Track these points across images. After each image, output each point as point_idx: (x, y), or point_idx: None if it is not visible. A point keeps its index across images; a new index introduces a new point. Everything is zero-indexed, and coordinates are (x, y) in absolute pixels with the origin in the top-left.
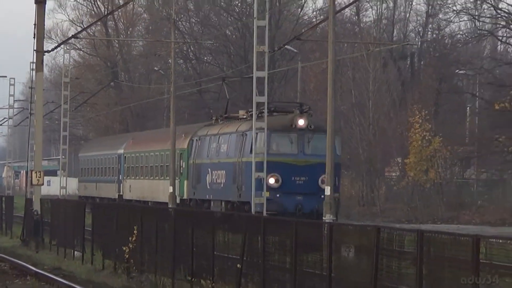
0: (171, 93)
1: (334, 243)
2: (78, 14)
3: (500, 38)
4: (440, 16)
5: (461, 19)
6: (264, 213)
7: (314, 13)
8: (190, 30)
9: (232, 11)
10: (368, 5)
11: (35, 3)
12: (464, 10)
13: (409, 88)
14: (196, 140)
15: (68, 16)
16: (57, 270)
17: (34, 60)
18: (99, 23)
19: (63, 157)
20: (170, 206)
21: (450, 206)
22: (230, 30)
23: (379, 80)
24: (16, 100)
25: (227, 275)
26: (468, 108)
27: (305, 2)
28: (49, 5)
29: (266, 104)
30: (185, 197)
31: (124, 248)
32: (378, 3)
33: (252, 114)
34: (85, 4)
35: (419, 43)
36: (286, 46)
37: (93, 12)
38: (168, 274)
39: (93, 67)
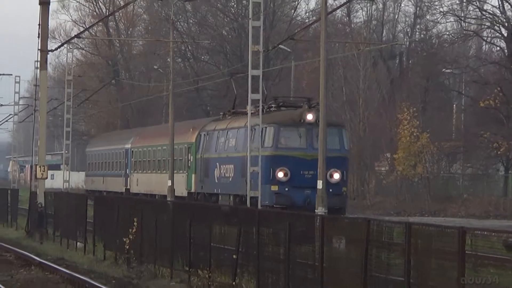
0: (170, 90)
1: (326, 235)
2: (80, 14)
3: (485, 38)
4: (428, 17)
5: (447, 20)
6: (259, 206)
7: (307, 14)
8: (188, 30)
9: (228, 12)
10: (359, 6)
11: (39, 4)
12: (450, 12)
13: (398, 86)
14: (204, 134)
15: (71, 16)
16: (60, 260)
17: (39, 59)
18: (100, 23)
19: (66, 152)
20: (168, 199)
21: (437, 199)
22: (226, 31)
23: (369, 78)
24: (21, 97)
25: (223, 266)
26: (454, 105)
27: (298, 4)
28: (53, 6)
29: (261, 101)
30: (192, 190)
31: (124, 240)
32: (368, 4)
33: (260, 109)
34: (87, 5)
35: (408, 43)
36: (280, 45)
37: (95, 13)
38: (166, 264)
39: (95, 65)
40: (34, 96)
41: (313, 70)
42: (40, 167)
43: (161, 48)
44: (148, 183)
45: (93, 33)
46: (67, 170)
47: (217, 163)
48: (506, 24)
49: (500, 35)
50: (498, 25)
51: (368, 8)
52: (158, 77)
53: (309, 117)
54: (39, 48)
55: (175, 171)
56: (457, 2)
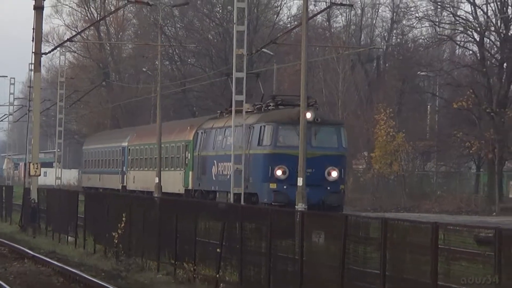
0: (158, 92)
1: (305, 230)
2: (73, 19)
3: (458, 42)
4: (404, 22)
5: (423, 25)
6: (242, 202)
7: (289, 19)
8: (175, 34)
9: (213, 18)
10: (338, 12)
11: (33, 9)
12: (425, 17)
13: (375, 88)
14: (202, 133)
15: (64, 21)
16: (52, 253)
17: (33, 62)
18: (92, 27)
19: (59, 150)
20: (156, 195)
21: (412, 196)
22: (212, 35)
23: (347, 80)
24: (16, 98)
25: (207, 259)
26: (428, 106)
27: (280, 10)
28: (47, 11)
29: (244, 102)
30: (190, 187)
31: (113, 234)
32: (348, 10)
33: (258, 107)
34: (79, 10)
35: (385, 47)
36: (263, 49)
37: (86, 17)
38: (153, 257)
39: (86, 68)
40: (28, 97)
41: (294, 72)
42: (33, 164)
43: (150, 52)
44: (145, 180)
45: (85, 37)
46: (59, 168)
47: (215, 161)
48: (478, 29)
49: (473, 40)
50: (470, 30)
51: (347, 13)
52: (146, 79)
53: (308, 115)
54: (33, 51)
55: (172, 169)
56: (432, 8)
